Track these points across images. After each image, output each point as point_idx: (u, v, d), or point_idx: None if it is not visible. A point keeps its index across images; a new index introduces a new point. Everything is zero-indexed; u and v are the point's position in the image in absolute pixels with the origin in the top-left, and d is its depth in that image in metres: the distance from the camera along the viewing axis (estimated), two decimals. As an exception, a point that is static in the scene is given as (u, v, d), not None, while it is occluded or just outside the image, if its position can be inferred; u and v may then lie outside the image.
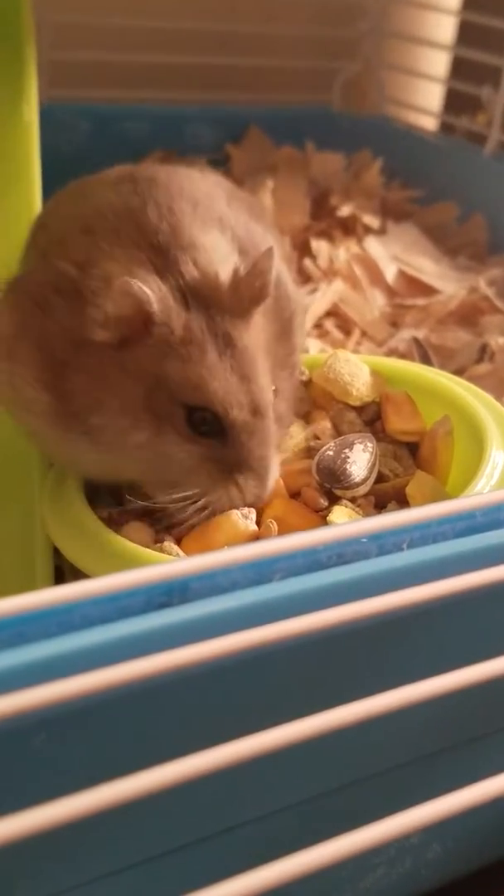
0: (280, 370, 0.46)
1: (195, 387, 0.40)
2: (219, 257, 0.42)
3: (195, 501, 0.41)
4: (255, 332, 0.42)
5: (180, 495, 0.41)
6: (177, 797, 0.32)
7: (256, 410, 0.41)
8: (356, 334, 0.71)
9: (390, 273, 0.78)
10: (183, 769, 0.24)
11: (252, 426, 0.41)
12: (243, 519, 0.43)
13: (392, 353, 0.69)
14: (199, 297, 0.41)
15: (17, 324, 0.43)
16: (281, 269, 0.48)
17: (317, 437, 0.49)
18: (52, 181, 0.61)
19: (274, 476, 0.43)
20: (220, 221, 0.45)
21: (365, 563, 0.32)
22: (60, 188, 0.72)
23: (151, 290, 0.39)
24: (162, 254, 0.42)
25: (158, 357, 0.40)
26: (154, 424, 0.41)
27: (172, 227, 0.43)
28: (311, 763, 0.37)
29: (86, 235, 0.43)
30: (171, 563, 0.28)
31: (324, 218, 0.85)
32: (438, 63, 1.10)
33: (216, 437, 0.41)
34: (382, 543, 0.33)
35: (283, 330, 0.47)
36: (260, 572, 0.31)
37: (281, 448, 0.46)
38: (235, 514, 0.43)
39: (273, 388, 0.43)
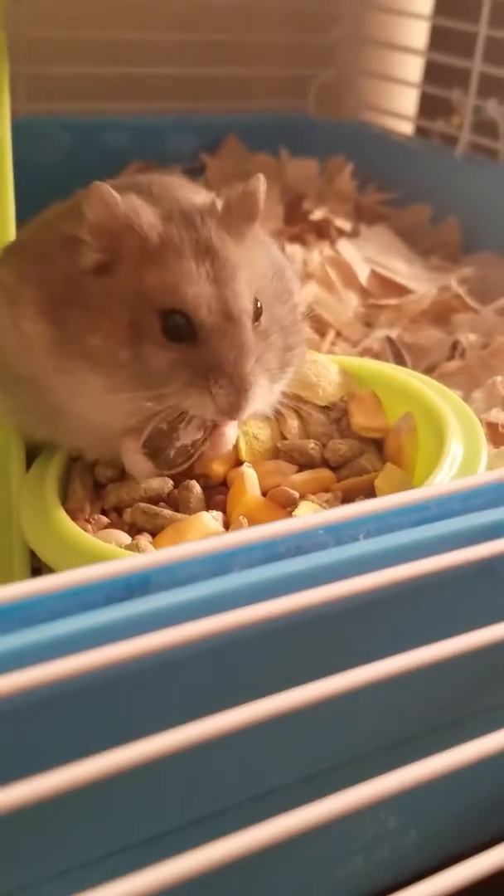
0: (280, 304, 0.48)
1: (168, 289, 0.42)
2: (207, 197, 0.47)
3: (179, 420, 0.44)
4: (246, 252, 0.44)
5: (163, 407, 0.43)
6: (145, 785, 0.33)
7: (229, 315, 0.42)
8: (331, 335, 0.73)
9: (363, 274, 0.79)
10: (150, 747, 0.25)
11: (223, 329, 0.42)
12: (213, 521, 0.44)
13: (366, 352, 0.70)
14: (187, 215, 0.44)
15: (17, 273, 0.47)
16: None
17: (284, 437, 0.50)
18: (32, 193, 0.62)
19: (251, 387, 0.43)
20: (195, 191, 0.50)
21: (321, 553, 0.33)
22: (40, 199, 0.73)
23: (123, 199, 0.42)
24: (153, 198, 0.45)
25: (137, 268, 0.43)
26: (136, 340, 0.43)
27: (165, 188, 0.47)
28: (286, 749, 0.37)
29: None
30: (130, 558, 0.29)
31: (297, 222, 0.86)
32: (412, 68, 1.11)
33: (189, 342, 0.42)
34: (339, 535, 0.34)
35: (279, 274, 0.49)
36: (219, 565, 0.32)
37: (275, 376, 0.46)
38: (206, 516, 0.44)
39: (259, 304, 0.44)
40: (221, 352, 0.42)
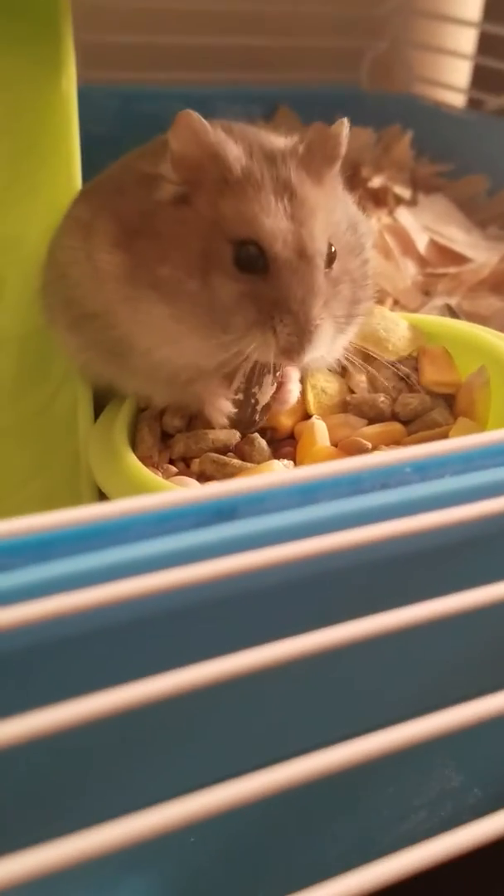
0: (353, 257, 0.48)
1: (245, 220, 0.42)
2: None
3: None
4: (324, 194, 0.44)
5: (226, 340, 0.43)
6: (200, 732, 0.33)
7: (303, 253, 0.42)
8: (389, 302, 0.72)
9: (422, 243, 0.79)
10: (221, 667, 0.25)
11: (295, 265, 0.42)
12: (285, 468, 0.44)
13: (425, 319, 0.70)
14: (269, 153, 0.44)
15: (93, 208, 0.48)
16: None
17: (352, 391, 0.50)
18: (84, 161, 0.62)
19: (316, 328, 0.42)
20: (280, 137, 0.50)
21: (407, 488, 0.32)
22: (90, 167, 0.73)
23: (212, 126, 0.43)
24: (237, 136, 0.45)
25: (215, 199, 0.43)
26: (206, 270, 0.43)
27: (245, 130, 0.47)
28: (344, 700, 0.37)
29: (164, 146, 0.45)
30: (220, 485, 0.29)
31: (355, 189, 0.85)
32: (465, 40, 1.10)
33: (260, 274, 0.42)
34: (426, 473, 0.34)
35: (353, 227, 0.49)
36: (305, 497, 0.31)
37: (341, 326, 0.46)
38: (277, 463, 0.44)
39: (332, 249, 0.44)
40: (291, 288, 0.42)
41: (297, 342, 0.42)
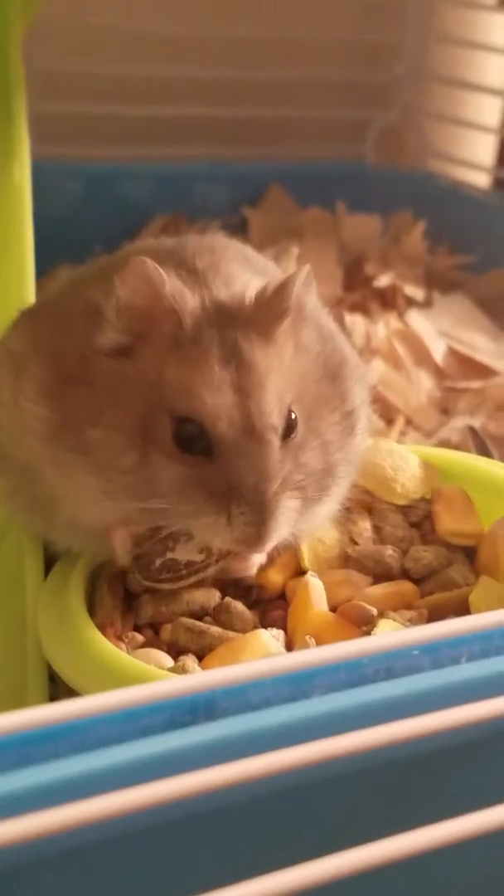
0: (328, 412, 0.49)
1: (186, 393, 0.44)
2: (247, 285, 0.48)
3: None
4: (275, 354, 0.46)
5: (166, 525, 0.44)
6: None
7: (251, 431, 0.43)
8: (400, 422, 0.74)
9: (438, 351, 0.82)
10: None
11: (242, 447, 0.43)
12: (274, 640, 0.45)
13: (443, 444, 0.72)
14: (222, 311, 0.45)
15: (29, 341, 0.49)
16: (320, 311, 0.53)
17: (354, 542, 0.51)
18: (39, 250, 0.64)
19: (274, 515, 0.43)
20: (247, 260, 0.52)
21: (417, 677, 0.33)
22: (46, 259, 0.76)
23: (167, 276, 0.44)
24: (196, 276, 0.47)
25: (160, 358, 0.44)
26: (143, 446, 0.44)
27: (212, 261, 0.49)
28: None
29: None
30: (195, 676, 0.31)
31: (358, 288, 0.89)
32: (490, 109, 1.15)
33: (204, 457, 0.44)
34: (437, 656, 0.35)
35: (332, 374, 0.50)
36: (296, 688, 0.33)
37: (309, 499, 0.47)
38: (264, 634, 0.45)
39: (293, 415, 0.45)
40: (239, 474, 0.43)
41: (254, 532, 0.43)
